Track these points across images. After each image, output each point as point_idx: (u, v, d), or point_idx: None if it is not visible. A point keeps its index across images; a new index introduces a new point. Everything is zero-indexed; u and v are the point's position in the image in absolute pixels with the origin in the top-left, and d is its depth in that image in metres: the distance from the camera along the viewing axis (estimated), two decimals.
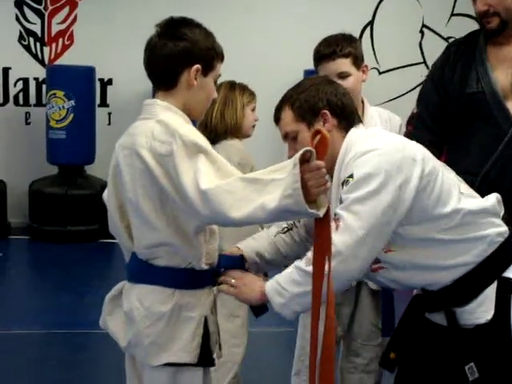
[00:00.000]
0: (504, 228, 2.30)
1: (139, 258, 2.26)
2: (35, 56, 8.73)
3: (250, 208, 1.97)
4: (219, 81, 2.48)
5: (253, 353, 3.59)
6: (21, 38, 8.67)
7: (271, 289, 2.21)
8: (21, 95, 8.72)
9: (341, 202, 2.17)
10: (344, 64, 2.97)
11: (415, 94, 3.12)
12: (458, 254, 2.23)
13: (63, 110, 7.98)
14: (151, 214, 2.17)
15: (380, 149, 2.19)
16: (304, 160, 1.95)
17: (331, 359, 2.12)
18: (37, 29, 8.71)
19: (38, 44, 8.73)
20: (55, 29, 8.73)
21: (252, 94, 3.58)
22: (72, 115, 7.97)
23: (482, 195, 2.35)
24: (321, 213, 2.00)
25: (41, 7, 8.69)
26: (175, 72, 2.24)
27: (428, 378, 2.36)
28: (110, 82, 8.76)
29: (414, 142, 2.33)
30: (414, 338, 2.37)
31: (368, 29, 8.98)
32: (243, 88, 3.57)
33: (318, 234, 2.07)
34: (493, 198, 2.33)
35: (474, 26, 2.97)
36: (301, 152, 1.94)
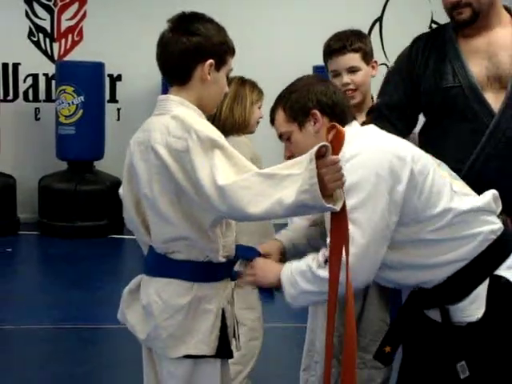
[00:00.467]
0: (498, 225, 2.28)
1: (157, 252, 2.28)
2: (45, 52, 8.75)
3: (267, 203, 1.98)
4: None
5: (262, 348, 3.59)
6: (30, 34, 8.69)
7: (286, 278, 2.23)
8: (30, 91, 8.74)
9: None
10: (354, 59, 2.98)
11: None
12: (450, 251, 2.22)
13: (72, 106, 7.99)
14: (168, 209, 2.19)
15: (368, 151, 2.18)
16: (320, 155, 1.96)
17: (353, 356, 2.14)
18: (46, 25, 8.73)
19: (47, 40, 8.75)
20: (65, 25, 8.75)
21: (261, 92, 3.60)
22: (81, 111, 7.99)
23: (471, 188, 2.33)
24: (337, 207, 2.01)
25: (50, 3, 8.71)
26: (189, 67, 2.25)
27: (423, 374, 2.36)
28: (119, 77, 8.78)
29: (404, 141, 2.31)
30: (409, 333, 2.36)
31: (377, 25, 8.97)
32: (253, 85, 3.57)
33: (335, 228, 2.08)
34: (488, 196, 2.31)
35: None
36: (316, 147, 1.95)
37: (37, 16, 8.69)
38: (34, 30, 8.70)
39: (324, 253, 2.18)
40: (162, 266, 2.27)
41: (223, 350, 2.25)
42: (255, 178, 2.02)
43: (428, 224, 2.20)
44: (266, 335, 3.64)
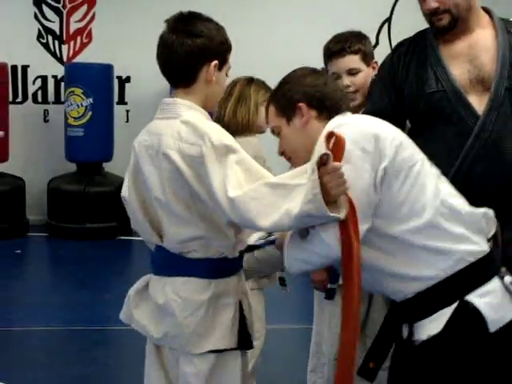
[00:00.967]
0: (480, 248, 2.13)
1: (171, 252, 2.29)
2: (54, 54, 8.78)
3: (276, 215, 2.01)
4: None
5: (269, 350, 3.59)
6: (39, 36, 8.72)
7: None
8: (39, 93, 8.77)
9: None
10: (353, 61, 2.99)
11: None
12: (423, 265, 2.10)
13: (81, 108, 8.01)
14: (184, 212, 2.21)
15: (349, 133, 2.05)
16: (322, 163, 1.95)
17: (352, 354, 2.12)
18: (55, 27, 8.76)
19: (56, 42, 8.78)
20: (73, 27, 8.77)
21: (268, 92, 3.57)
22: (90, 113, 8.01)
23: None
24: (342, 215, 1.98)
25: (59, 5, 8.74)
26: (194, 69, 2.26)
27: None
28: (128, 79, 8.80)
29: (397, 129, 2.20)
30: (388, 348, 2.25)
31: (386, 26, 8.96)
32: (259, 85, 3.55)
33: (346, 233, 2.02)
34: (479, 210, 2.19)
35: None
36: (318, 157, 1.95)
37: (46, 18, 8.72)
38: (43, 32, 8.73)
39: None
40: (176, 265, 2.28)
41: (244, 342, 2.29)
42: (265, 188, 2.04)
43: (407, 220, 2.08)
44: (274, 337, 3.65)
